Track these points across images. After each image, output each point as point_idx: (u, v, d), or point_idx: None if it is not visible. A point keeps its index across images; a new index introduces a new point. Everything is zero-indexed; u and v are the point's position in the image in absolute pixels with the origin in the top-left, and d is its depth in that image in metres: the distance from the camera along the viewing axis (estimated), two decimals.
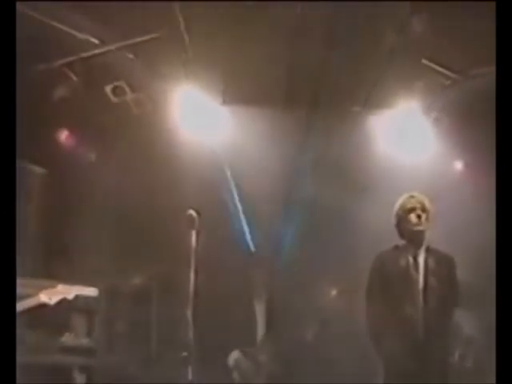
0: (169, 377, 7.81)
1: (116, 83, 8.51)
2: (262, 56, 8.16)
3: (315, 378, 8.83)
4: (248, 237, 9.51)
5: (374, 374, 6.67)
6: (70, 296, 5.28)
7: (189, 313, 5.58)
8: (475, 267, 8.21)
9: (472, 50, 7.86)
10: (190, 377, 5.59)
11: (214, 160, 8.93)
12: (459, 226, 8.41)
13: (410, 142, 9.18)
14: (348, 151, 9.13)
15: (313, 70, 8.33)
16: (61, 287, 5.31)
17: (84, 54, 8.13)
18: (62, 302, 5.32)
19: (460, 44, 7.84)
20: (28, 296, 5.30)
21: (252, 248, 9.53)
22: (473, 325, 8.79)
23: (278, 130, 8.95)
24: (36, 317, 5.67)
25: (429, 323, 6.20)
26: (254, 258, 9.52)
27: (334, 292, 10.32)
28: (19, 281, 4.96)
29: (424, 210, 6.39)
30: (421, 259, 6.38)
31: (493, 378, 4.35)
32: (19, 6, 6.38)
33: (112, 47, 8.02)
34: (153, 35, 7.89)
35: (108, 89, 8.53)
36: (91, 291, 5.43)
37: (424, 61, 8.36)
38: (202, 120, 8.86)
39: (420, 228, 6.38)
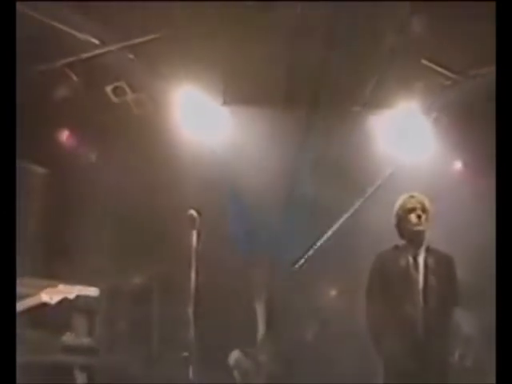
0: (169, 376, 7.82)
1: (116, 83, 8.52)
2: (262, 56, 8.16)
3: (315, 377, 8.84)
4: (248, 237, 9.50)
5: (373, 373, 6.67)
6: (72, 296, 5.27)
7: (190, 312, 5.58)
8: (475, 267, 8.22)
9: (472, 50, 7.87)
10: (190, 376, 5.60)
11: (214, 160, 8.93)
12: (458, 226, 8.42)
13: (409, 142, 9.19)
14: (348, 151, 9.13)
15: (313, 69, 8.31)
16: (62, 287, 5.29)
17: (85, 55, 8.13)
18: (63, 302, 5.30)
19: (460, 44, 7.85)
20: (29, 296, 5.28)
21: (252, 248, 9.52)
22: (472, 324, 8.79)
23: (278, 130, 8.95)
24: (37, 316, 5.66)
25: (429, 323, 6.22)
26: (254, 257, 9.52)
27: (334, 292, 10.34)
28: (20, 280, 4.98)
29: (424, 210, 6.41)
30: (421, 259, 6.40)
31: (492, 378, 4.36)
32: (20, 6, 6.47)
33: (112, 47, 8.01)
34: (153, 35, 7.89)
35: (108, 89, 8.54)
36: (92, 291, 5.42)
37: (424, 61, 8.37)
38: (202, 120, 8.87)
39: (420, 228, 6.40)
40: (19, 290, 4.89)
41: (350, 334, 8.79)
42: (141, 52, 8.11)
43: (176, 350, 5.91)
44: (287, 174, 9.43)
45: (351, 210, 9.38)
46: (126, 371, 8.61)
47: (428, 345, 6.19)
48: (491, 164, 5.13)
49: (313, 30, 7.79)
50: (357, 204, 9.36)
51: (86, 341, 8.10)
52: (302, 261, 9.36)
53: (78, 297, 5.36)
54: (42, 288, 5.32)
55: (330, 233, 9.39)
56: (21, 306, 5.09)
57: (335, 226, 9.39)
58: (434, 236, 6.52)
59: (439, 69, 8.48)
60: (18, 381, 4.14)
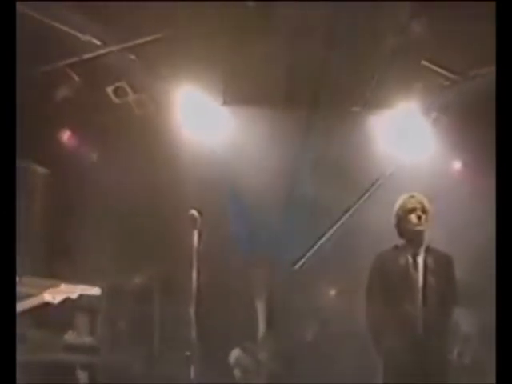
0: (171, 375, 7.83)
1: (118, 84, 8.54)
2: (262, 56, 8.17)
3: (315, 376, 8.84)
4: (248, 237, 9.50)
5: (373, 372, 6.68)
6: (74, 295, 5.28)
7: (191, 312, 5.60)
8: (474, 266, 8.23)
9: (471, 50, 7.88)
10: (192, 375, 5.61)
11: (214, 160, 8.94)
12: (458, 226, 8.43)
13: (409, 142, 9.20)
14: (348, 151, 9.13)
15: (313, 70, 8.32)
16: (64, 286, 5.29)
17: (86, 55, 8.14)
18: (66, 301, 5.32)
19: (459, 45, 7.86)
20: (31, 295, 5.28)
21: (252, 248, 9.52)
22: (471, 323, 8.82)
23: (278, 130, 8.96)
24: (39, 315, 5.67)
25: (428, 322, 6.24)
26: (255, 257, 9.53)
27: (334, 291, 10.34)
28: (21, 280, 5.01)
29: (424, 210, 6.42)
30: (420, 259, 6.41)
31: (491, 376, 4.38)
32: (22, 7, 6.50)
33: (114, 48, 8.04)
34: (154, 36, 7.92)
35: (110, 89, 8.55)
36: (94, 290, 5.44)
37: (424, 62, 8.38)
38: (202, 120, 8.89)
39: (420, 228, 6.42)
40: (21, 289, 4.91)
41: (349, 333, 8.79)
42: (142, 53, 8.13)
43: (177, 350, 5.93)
44: (287, 174, 9.42)
45: (351, 210, 9.38)
46: (127, 370, 8.62)
47: (427, 343, 6.21)
48: (491, 164, 5.16)
49: (313, 29, 7.80)
50: (357, 204, 9.35)
51: (87, 340, 8.10)
52: (303, 261, 9.35)
53: (80, 296, 5.36)
54: (43, 287, 5.31)
55: (330, 233, 9.38)
56: (24, 305, 5.10)
57: (335, 226, 9.38)
58: (433, 235, 6.53)
59: (439, 69, 8.50)
60: (20, 379, 4.16)
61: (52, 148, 9.15)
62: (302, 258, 9.34)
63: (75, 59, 8.24)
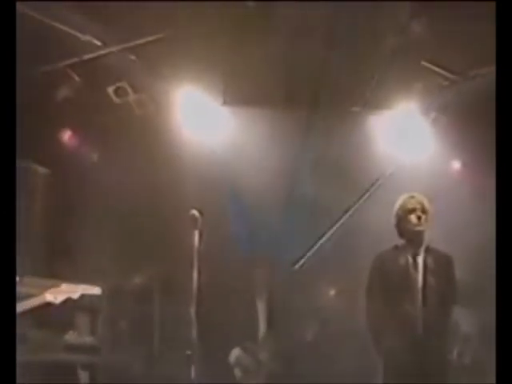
0: (171, 375, 7.84)
1: (118, 84, 8.54)
2: (262, 56, 8.17)
3: (315, 376, 8.84)
4: (249, 237, 9.51)
5: (373, 372, 6.69)
6: (75, 295, 5.29)
7: (192, 311, 5.61)
8: (474, 266, 8.25)
9: (471, 51, 7.89)
10: (192, 375, 5.62)
11: (214, 160, 8.95)
12: (457, 226, 8.44)
13: (409, 142, 9.21)
14: (348, 151, 9.14)
15: (313, 70, 8.33)
16: (65, 286, 5.30)
17: (86, 56, 8.15)
18: (67, 301, 5.32)
19: (459, 45, 7.87)
20: (32, 295, 5.29)
21: (253, 248, 9.53)
22: (471, 323, 8.83)
23: (278, 130, 8.97)
24: (41, 315, 5.68)
25: (428, 322, 6.25)
26: (255, 257, 9.53)
27: (334, 291, 10.34)
28: (22, 280, 5.02)
29: (424, 210, 6.43)
30: (420, 259, 6.42)
31: (491, 376, 4.39)
32: (22, 7, 6.51)
33: (114, 49, 8.04)
34: (154, 37, 7.92)
35: (110, 90, 8.56)
36: (95, 290, 5.44)
37: (423, 62, 8.39)
38: (202, 120, 8.90)
39: (420, 228, 6.42)
40: (22, 289, 4.93)
41: (349, 333, 8.80)
42: (142, 53, 8.13)
43: (178, 349, 5.94)
44: (287, 174, 9.43)
45: (351, 210, 9.39)
46: (128, 370, 8.62)
47: (427, 343, 6.22)
48: (490, 164, 5.17)
49: (313, 30, 7.80)
50: (357, 204, 9.36)
51: (88, 340, 8.11)
52: (303, 261, 9.36)
53: (81, 296, 5.37)
54: (44, 287, 5.32)
55: (330, 233, 9.39)
56: (25, 305, 5.12)
57: (335, 226, 9.39)
58: (433, 235, 6.54)
59: (438, 70, 8.50)
60: (21, 379, 4.17)
61: (53, 148, 9.16)
62: (302, 257, 9.35)
63: (76, 59, 8.24)
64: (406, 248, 6.46)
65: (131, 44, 8.07)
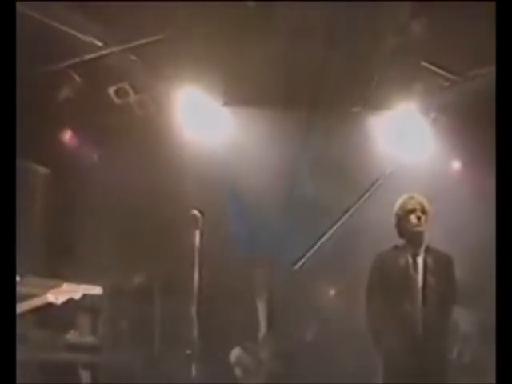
0: (172, 374, 7.85)
1: (119, 85, 8.54)
2: (262, 57, 8.19)
3: (315, 376, 8.85)
4: (249, 237, 9.51)
5: (373, 372, 6.70)
6: (77, 296, 5.29)
7: (193, 311, 5.62)
8: (473, 266, 8.26)
9: (471, 51, 7.89)
10: (193, 374, 5.64)
11: (215, 160, 8.96)
12: (457, 225, 8.46)
13: (409, 142, 9.22)
14: (348, 151, 9.15)
15: (313, 70, 8.33)
16: (66, 286, 5.29)
17: (87, 56, 8.14)
18: (68, 302, 5.32)
19: (459, 45, 7.87)
20: (33, 295, 5.29)
21: (253, 248, 9.53)
22: (471, 322, 8.84)
23: (279, 130, 8.97)
24: (42, 315, 5.69)
25: (428, 321, 6.26)
26: (255, 257, 9.54)
27: (334, 291, 10.34)
28: (23, 280, 5.02)
29: (424, 211, 6.44)
30: (420, 259, 6.43)
31: (491, 375, 4.40)
32: (23, 8, 6.52)
33: (115, 49, 8.04)
34: (155, 37, 7.93)
35: (111, 90, 8.57)
36: (97, 290, 5.45)
37: (423, 62, 8.40)
38: (203, 121, 8.91)
39: (420, 229, 6.44)
40: (23, 289, 4.93)
41: (349, 333, 8.81)
42: (143, 53, 8.14)
43: (179, 349, 5.95)
44: (287, 174, 9.43)
45: (351, 210, 9.40)
46: (129, 369, 8.62)
47: (427, 343, 6.23)
48: (490, 164, 5.19)
49: (313, 29, 7.81)
50: (357, 204, 9.38)
51: (89, 339, 8.11)
52: (303, 261, 9.37)
53: (82, 296, 5.37)
54: (45, 287, 5.31)
55: (330, 233, 9.41)
56: (27, 305, 5.12)
57: (335, 226, 9.40)
58: (432, 235, 6.56)
59: (438, 70, 8.51)
60: (22, 379, 4.18)
61: (53, 148, 9.17)
62: (302, 257, 9.36)
63: (76, 60, 8.24)
64: (405, 248, 6.48)
65: (132, 44, 8.07)
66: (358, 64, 8.32)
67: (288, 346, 9.37)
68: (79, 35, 7.72)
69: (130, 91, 8.62)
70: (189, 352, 5.66)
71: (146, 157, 9.01)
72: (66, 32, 7.59)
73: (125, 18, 7.56)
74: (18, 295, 4.43)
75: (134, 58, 8.19)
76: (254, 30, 7.85)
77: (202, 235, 5.77)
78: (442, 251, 6.57)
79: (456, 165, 9.90)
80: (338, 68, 8.28)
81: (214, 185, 8.93)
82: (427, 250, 6.48)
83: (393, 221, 6.57)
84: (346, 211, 9.43)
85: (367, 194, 9.34)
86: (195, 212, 5.79)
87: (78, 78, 8.40)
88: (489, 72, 7.86)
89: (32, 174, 9.19)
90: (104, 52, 8.06)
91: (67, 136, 9.31)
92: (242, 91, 8.79)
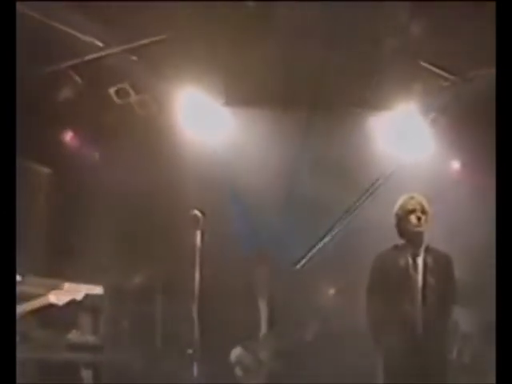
0: (174, 373, 7.85)
1: (120, 85, 8.56)
2: (262, 57, 8.20)
3: (316, 376, 8.85)
4: (249, 236, 9.52)
5: (374, 371, 6.70)
6: (79, 297, 5.29)
7: (194, 310, 5.64)
8: (473, 266, 8.27)
9: (470, 51, 7.90)
10: (194, 373, 5.65)
11: (215, 160, 8.97)
12: (457, 225, 8.47)
13: (408, 142, 9.23)
14: (348, 151, 9.15)
15: (313, 70, 8.35)
16: (68, 286, 5.30)
17: (88, 57, 8.15)
18: (70, 302, 5.33)
19: (458, 46, 7.88)
20: (34, 294, 5.29)
21: (254, 248, 9.54)
22: (471, 322, 8.84)
23: (279, 130, 8.99)
24: (43, 315, 5.69)
25: (427, 321, 6.29)
26: (256, 257, 9.54)
27: (335, 291, 10.34)
28: (25, 279, 5.04)
29: (424, 211, 6.47)
30: (420, 259, 6.46)
31: (491, 375, 4.41)
32: (24, 8, 6.53)
33: (116, 50, 8.05)
34: (156, 37, 7.93)
35: (112, 91, 8.59)
36: (98, 290, 5.46)
37: (423, 63, 8.41)
38: (204, 121, 8.92)
39: (420, 229, 6.46)
40: (24, 288, 4.96)
41: (350, 333, 8.81)
42: (144, 54, 8.14)
43: (180, 348, 5.96)
44: (287, 174, 9.44)
45: (352, 210, 9.42)
46: (130, 369, 8.62)
47: (427, 343, 6.25)
48: (489, 164, 5.20)
49: (313, 30, 7.82)
50: (357, 204, 9.39)
51: (91, 339, 8.09)
52: (304, 260, 9.38)
53: (84, 296, 5.38)
54: (47, 287, 5.32)
55: (331, 232, 9.42)
56: (28, 306, 5.14)
57: (337, 226, 9.42)
58: (431, 235, 6.57)
59: (438, 70, 8.52)
60: (24, 378, 4.19)
61: (55, 148, 9.18)
62: (303, 257, 9.37)
63: (78, 61, 8.24)
64: (405, 248, 6.50)
65: (133, 45, 8.07)
66: (357, 64, 8.32)
67: (288, 346, 9.36)
68: (80, 36, 7.73)
69: (131, 91, 8.63)
70: (190, 351, 5.67)
71: (147, 157, 9.02)
72: (66, 32, 7.59)
73: (125, 19, 7.55)
74: (19, 295, 4.45)
75: (134, 58, 8.19)
76: (254, 30, 7.84)
77: (202, 235, 5.78)
78: (441, 251, 6.59)
79: (455, 165, 9.89)
80: (338, 68, 8.30)
81: (214, 185, 8.94)
82: (427, 249, 6.50)
83: (393, 221, 6.59)
84: (348, 211, 9.45)
85: (367, 194, 9.35)
86: (196, 212, 5.80)
87: (78, 79, 8.41)
88: (488, 73, 7.86)
89: (33, 174, 9.19)
90: (105, 52, 8.06)
91: (68, 136, 9.32)
92: (243, 91, 8.81)
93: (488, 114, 5.97)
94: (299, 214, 9.45)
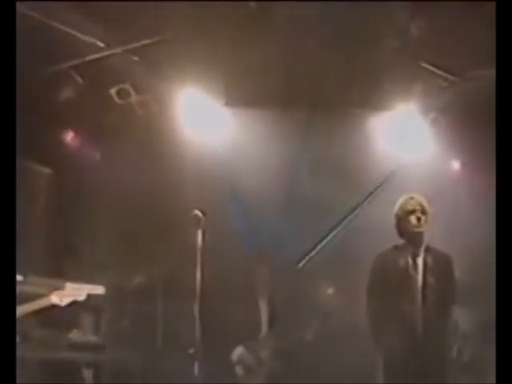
0: (175, 373, 7.86)
1: (121, 85, 8.57)
2: (262, 57, 8.20)
3: (316, 375, 8.85)
4: (250, 236, 9.53)
5: (373, 371, 6.71)
6: (81, 298, 5.30)
7: (195, 310, 5.65)
8: (473, 265, 8.27)
9: (470, 52, 7.90)
10: (195, 372, 5.66)
11: (215, 160, 8.98)
12: (456, 225, 8.49)
13: (408, 142, 9.24)
14: (348, 151, 9.16)
15: (313, 70, 8.36)
16: (69, 286, 5.30)
17: (89, 57, 8.15)
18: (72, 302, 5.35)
19: (458, 46, 7.89)
20: (35, 294, 5.30)
21: (254, 247, 9.54)
22: (470, 321, 8.85)
23: (279, 130, 8.99)
24: (45, 315, 5.71)
25: (427, 321, 6.29)
26: (257, 256, 9.55)
27: (335, 291, 10.34)
28: (26, 279, 5.05)
29: (423, 211, 6.47)
30: (420, 259, 6.46)
31: (491, 374, 4.42)
32: (24, 8, 6.54)
33: (117, 50, 8.05)
34: (157, 38, 7.94)
35: (113, 91, 8.59)
36: (99, 290, 5.46)
37: (422, 63, 8.42)
38: (204, 121, 8.92)
39: (420, 230, 6.46)
40: (26, 288, 4.96)
41: (350, 332, 8.82)
42: (145, 54, 8.14)
43: (181, 348, 5.97)
44: (287, 174, 9.44)
45: (352, 210, 9.43)
46: (131, 368, 8.64)
47: (427, 342, 6.26)
48: (489, 163, 5.22)
49: (313, 30, 7.83)
50: (357, 204, 9.40)
51: (92, 338, 8.12)
52: (305, 260, 9.39)
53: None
54: (48, 286, 5.34)
55: (331, 232, 9.43)
56: (31, 307, 5.15)
57: (337, 226, 9.43)
58: (431, 234, 6.58)
59: (437, 70, 8.53)
60: (25, 377, 4.20)
61: (55, 149, 9.19)
62: (304, 257, 9.39)
63: (79, 61, 8.25)
64: (405, 248, 6.50)
65: (133, 45, 8.07)
66: (358, 64, 8.33)
67: (289, 346, 9.37)
68: (81, 36, 7.73)
69: (132, 92, 8.64)
70: (191, 351, 5.68)
71: (148, 157, 9.03)
72: (67, 32, 7.60)
73: (126, 19, 7.56)
74: (21, 295, 4.47)
75: (135, 58, 8.19)
76: (254, 30, 7.85)
77: (203, 235, 5.79)
78: (441, 251, 6.59)
79: (455, 165, 9.90)
80: (338, 68, 8.30)
81: (214, 184, 8.95)
82: (427, 249, 6.50)
83: (393, 221, 6.60)
84: (350, 211, 9.46)
85: (367, 194, 9.36)
86: (197, 212, 5.81)
87: (80, 79, 8.41)
88: (488, 73, 7.87)
89: (34, 174, 9.21)
90: (105, 53, 8.07)
91: (69, 136, 9.33)
92: (243, 91, 8.81)
93: (488, 113, 5.98)
94: (299, 213, 9.45)
